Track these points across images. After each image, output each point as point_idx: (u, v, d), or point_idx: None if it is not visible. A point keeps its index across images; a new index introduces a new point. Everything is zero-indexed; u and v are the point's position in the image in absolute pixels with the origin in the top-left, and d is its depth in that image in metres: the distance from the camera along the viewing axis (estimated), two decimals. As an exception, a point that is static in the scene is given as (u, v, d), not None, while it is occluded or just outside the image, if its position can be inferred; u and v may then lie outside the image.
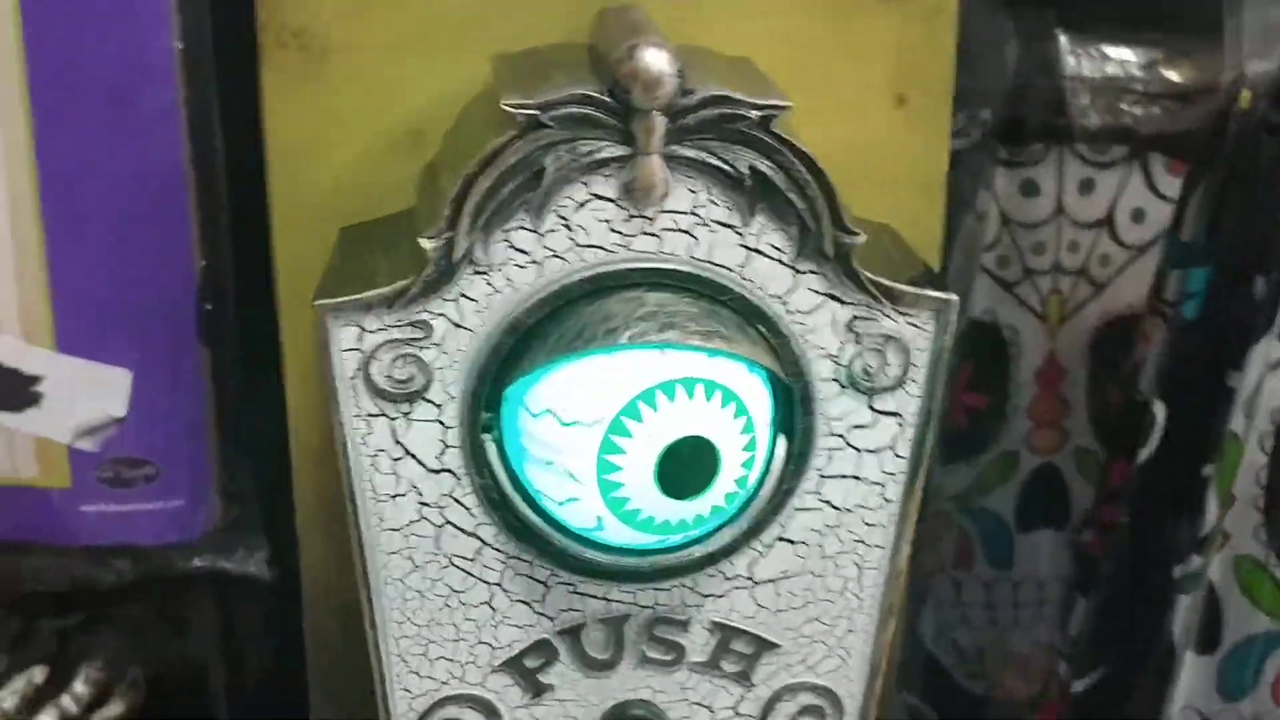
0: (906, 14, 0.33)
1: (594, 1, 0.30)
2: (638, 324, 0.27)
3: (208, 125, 0.36)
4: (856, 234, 0.28)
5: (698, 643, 0.32)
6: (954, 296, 0.29)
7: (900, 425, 0.30)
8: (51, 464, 0.38)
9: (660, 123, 0.26)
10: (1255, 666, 0.39)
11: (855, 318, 0.29)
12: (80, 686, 0.43)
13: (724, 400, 0.28)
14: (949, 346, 0.29)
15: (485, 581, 0.31)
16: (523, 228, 0.27)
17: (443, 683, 0.32)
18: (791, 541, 0.31)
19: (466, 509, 0.30)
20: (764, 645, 0.32)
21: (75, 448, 0.38)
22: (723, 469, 0.28)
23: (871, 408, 0.30)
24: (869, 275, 0.28)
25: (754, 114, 0.26)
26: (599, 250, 0.28)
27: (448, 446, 0.29)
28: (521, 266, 0.28)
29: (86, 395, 0.37)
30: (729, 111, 0.26)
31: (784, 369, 0.29)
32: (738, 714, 0.33)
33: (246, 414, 0.39)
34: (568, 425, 0.28)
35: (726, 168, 0.27)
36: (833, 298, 0.29)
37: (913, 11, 0.33)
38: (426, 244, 0.27)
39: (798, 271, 0.28)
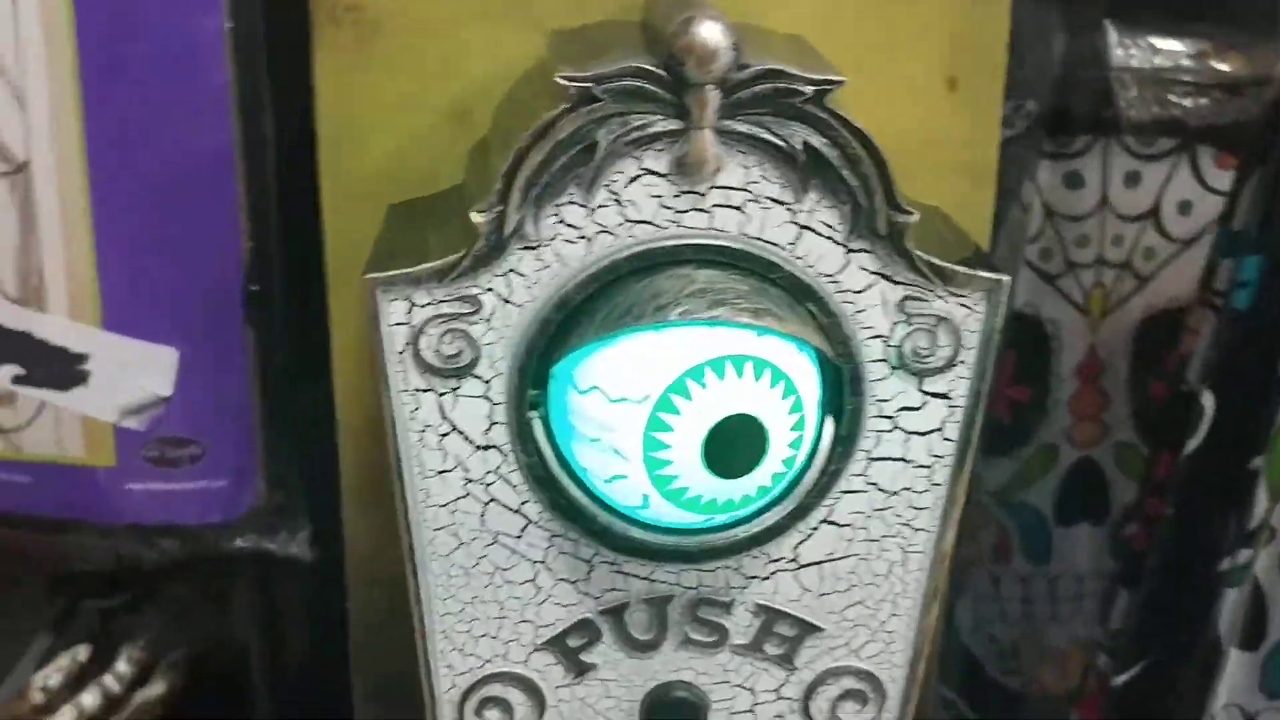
0: (959, -4, 0.33)
1: (646, -21, 0.30)
2: (687, 301, 0.27)
3: (258, 105, 0.36)
4: (910, 212, 0.28)
5: (741, 625, 0.32)
6: (1006, 277, 0.29)
7: (950, 407, 0.30)
8: (97, 443, 0.39)
9: (714, 97, 0.26)
10: (1300, 665, 0.38)
11: (906, 298, 0.29)
12: (123, 666, 0.43)
13: (773, 379, 0.27)
14: (1000, 328, 0.29)
15: (530, 559, 0.31)
16: (573, 202, 0.27)
17: (486, 660, 0.32)
18: (837, 524, 0.31)
19: (512, 486, 0.30)
20: (807, 628, 0.32)
21: (121, 426, 0.38)
22: (771, 448, 0.28)
23: (921, 389, 0.30)
24: (921, 254, 0.28)
25: (808, 89, 0.26)
26: (649, 226, 0.28)
27: (494, 423, 0.29)
28: (571, 242, 0.28)
29: (133, 374, 0.38)
30: (783, 86, 0.26)
31: (833, 349, 0.29)
32: (780, 697, 0.33)
33: (291, 395, 0.39)
34: (615, 402, 0.28)
35: (780, 143, 0.27)
36: (884, 277, 0.28)
37: (965, -7, 0.33)
38: (477, 218, 0.27)
39: (849, 250, 0.28)
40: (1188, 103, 0.44)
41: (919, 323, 0.29)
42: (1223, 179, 0.44)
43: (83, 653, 0.43)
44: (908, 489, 0.31)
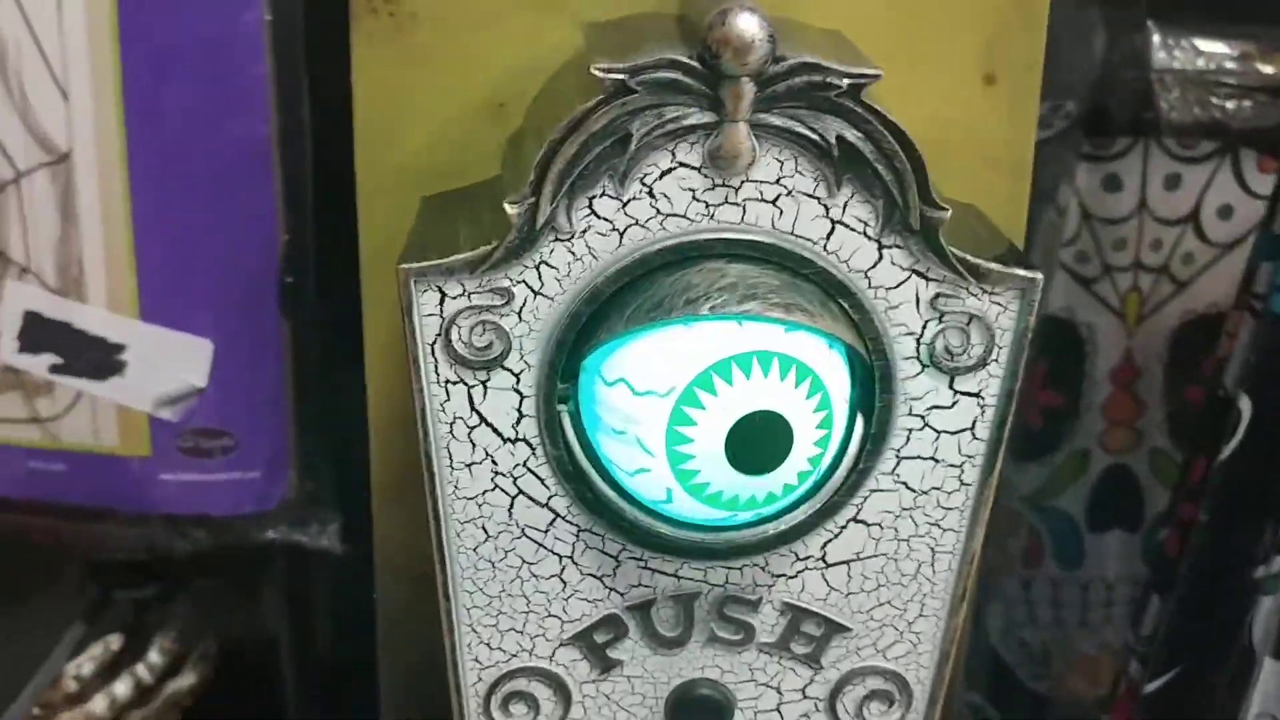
0: (998, -8, 0.33)
1: (682, -26, 0.30)
2: (718, 295, 0.27)
3: (296, 98, 0.36)
4: (944, 208, 0.27)
5: (767, 623, 0.32)
6: (1039, 275, 0.28)
7: (981, 407, 0.30)
8: (132, 433, 0.39)
9: (749, 89, 0.26)
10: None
11: (939, 295, 0.28)
12: (155, 656, 0.43)
13: (799, 376, 0.27)
14: (1032, 327, 0.29)
15: (556, 554, 0.31)
16: (606, 195, 0.27)
17: (512, 655, 0.32)
18: (865, 523, 0.31)
19: (540, 480, 0.30)
20: (834, 627, 0.32)
21: (156, 417, 0.39)
22: (795, 446, 0.28)
23: (952, 388, 0.29)
24: (955, 251, 0.28)
25: (843, 83, 0.26)
26: (681, 219, 0.28)
27: (524, 416, 0.29)
28: (603, 234, 0.28)
29: (168, 365, 0.38)
30: (818, 79, 0.26)
31: (865, 346, 0.29)
32: (806, 696, 0.33)
33: (324, 388, 0.39)
34: (640, 394, 0.28)
35: (814, 136, 0.27)
36: (917, 273, 0.28)
37: (1005, -10, 0.33)
38: (510, 209, 0.27)
39: (882, 245, 0.28)
40: (1230, 105, 0.44)
41: (951, 320, 0.29)
42: (1265, 183, 0.44)
43: (115, 642, 0.43)
44: (937, 488, 0.31)
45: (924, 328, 0.29)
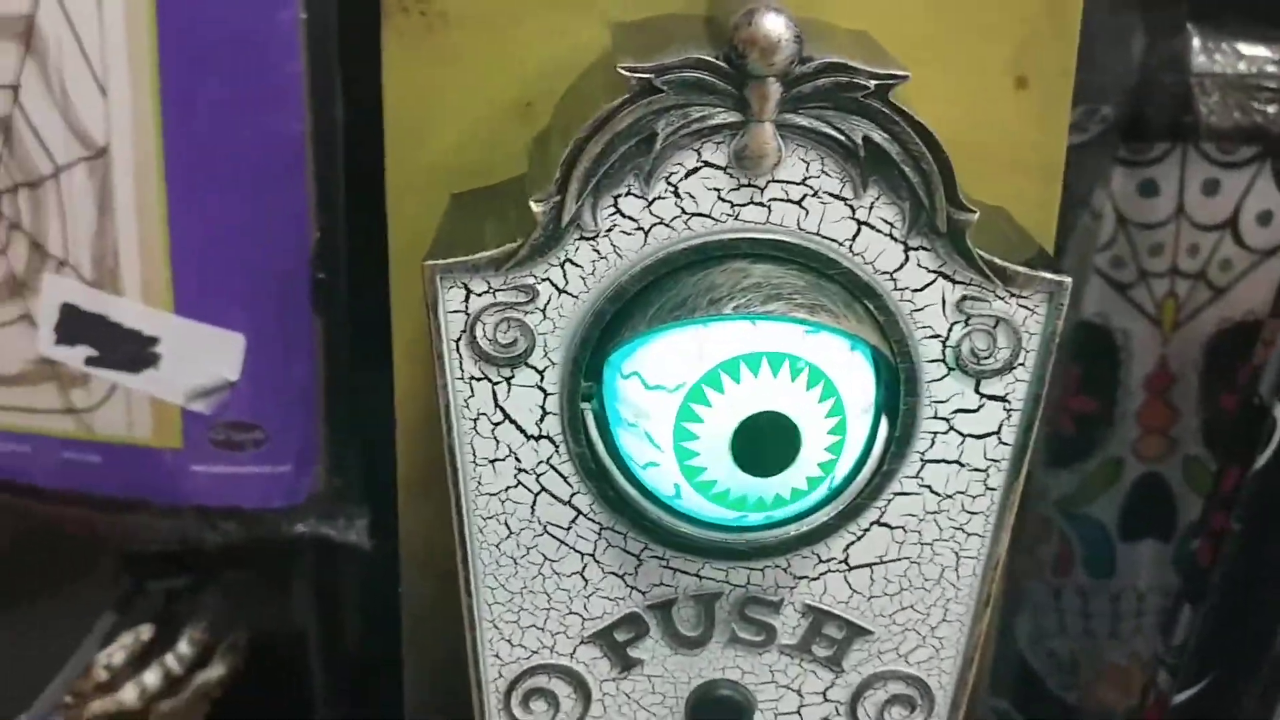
0: (1031, -6, 0.33)
1: (710, -25, 0.30)
2: (742, 295, 0.27)
3: (329, 95, 0.36)
4: (971, 210, 0.27)
5: (789, 625, 0.32)
6: (1067, 279, 0.28)
7: (1007, 411, 0.30)
8: (165, 425, 0.39)
9: (775, 89, 0.26)
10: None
11: (965, 297, 0.28)
12: (184, 647, 0.44)
13: (811, 380, 0.27)
14: (1060, 331, 0.29)
15: (578, 551, 0.31)
16: (631, 194, 0.27)
17: (533, 651, 0.32)
18: (889, 526, 0.31)
19: (563, 477, 0.30)
20: (856, 631, 0.32)
21: (189, 409, 0.39)
22: (804, 450, 0.28)
23: (978, 391, 0.29)
24: (982, 253, 0.28)
25: (870, 83, 0.26)
26: (706, 219, 0.28)
27: (547, 413, 0.29)
28: (628, 233, 0.28)
29: (201, 358, 0.38)
30: (845, 80, 0.26)
31: (890, 348, 0.29)
32: (827, 699, 0.33)
33: (354, 383, 0.39)
34: (652, 389, 0.28)
35: (840, 137, 0.27)
36: (943, 276, 0.28)
37: (1037, -9, 0.33)
38: (535, 207, 0.27)
39: (909, 247, 0.28)
40: (1272, 110, 0.43)
41: (978, 323, 0.29)
42: (1305, 189, 0.43)
43: (145, 632, 0.44)
44: (962, 492, 0.30)
45: (950, 330, 0.29)
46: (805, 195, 0.27)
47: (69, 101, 0.37)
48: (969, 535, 0.31)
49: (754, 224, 0.28)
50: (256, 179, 0.37)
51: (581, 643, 0.32)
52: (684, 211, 0.28)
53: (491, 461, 0.30)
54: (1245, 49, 0.43)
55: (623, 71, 0.26)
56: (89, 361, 0.39)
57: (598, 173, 0.27)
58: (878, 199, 0.27)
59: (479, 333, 0.29)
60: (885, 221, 0.28)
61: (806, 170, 0.27)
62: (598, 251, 0.28)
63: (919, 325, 0.29)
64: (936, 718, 0.33)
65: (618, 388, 0.28)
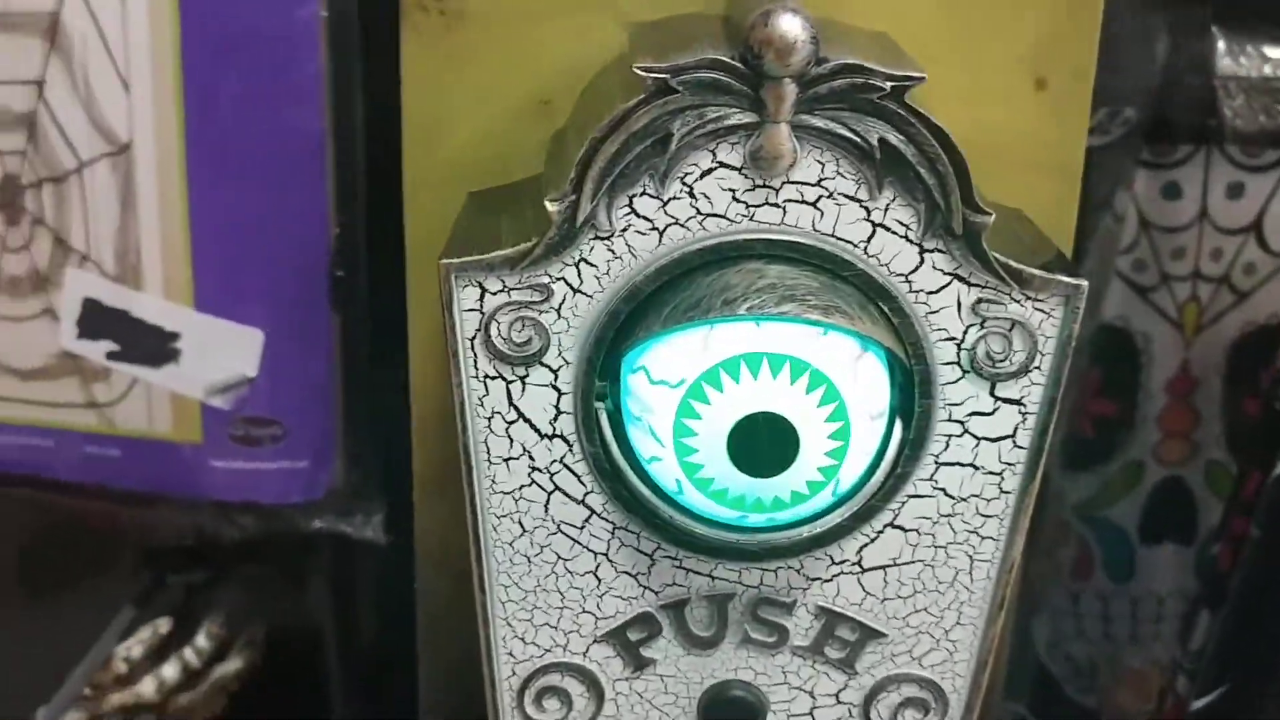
0: (1051, -5, 0.32)
1: (728, -25, 0.30)
2: (756, 296, 0.27)
3: (349, 93, 0.37)
4: (987, 213, 0.27)
5: (801, 626, 0.32)
6: (1084, 282, 0.28)
7: (1022, 414, 0.29)
8: (185, 419, 0.40)
9: (791, 90, 0.26)
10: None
11: (981, 300, 0.28)
12: (202, 640, 0.44)
13: (812, 383, 0.27)
14: (1077, 334, 0.28)
15: (592, 550, 0.31)
16: (646, 193, 0.27)
17: (546, 650, 0.32)
18: (903, 529, 0.31)
19: (576, 476, 0.30)
20: (869, 633, 0.32)
21: (208, 404, 0.39)
22: (802, 454, 0.28)
23: (993, 394, 0.29)
24: (998, 256, 0.28)
25: (887, 85, 0.26)
26: (721, 220, 0.28)
27: (561, 412, 0.29)
28: (643, 233, 0.28)
29: (221, 354, 0.39)
30: (861, 81, 0.26)
31: (904, 350, 0.28)
32: (839, 701, 0.33)
33: (372, 380, 0.40)
34: (655, 384, 0.28)
35: (856, 139, 0.26)
36: (959, 278, 0.28)
37: (1057, -8, 0.32)
38: (551, 206, 0.27)
39: (924, 249, 0.28)
40: (1297, 113, 0.43)
41: (993, 326, 0.28)
42: (1329, 193, 0.43)
43: (164, 625, 0.44)
44: (976, 495, 0.30)
45: (965, 333, 0.29)
46: (820, 196, 0.27)
47: (93, 97, 0.37)
48: (983, 538, 0.31)
49: (769, 225, 0.28)
50: (276, 175, 0.37)
51: (594, 642, 0.32)
52: (699, 212, 0.28)
53: (506, 460, 0.30)
54: (1271, 52, 0.43)
55: (638, 71, 0.26)
56: (110, 356, 0.39)
57: (613, 172, 0.27)
58: (893, 201, 0.27)
59: (494, 331, 0.29)
60: (901, 223, 0.28)
61: (822, 171, 0.27)
62: (613, 251, 0.28)
63: (934, 328, 0.28)
64: (949, 721, 0.33)
65: (628, 381, 0.29)
